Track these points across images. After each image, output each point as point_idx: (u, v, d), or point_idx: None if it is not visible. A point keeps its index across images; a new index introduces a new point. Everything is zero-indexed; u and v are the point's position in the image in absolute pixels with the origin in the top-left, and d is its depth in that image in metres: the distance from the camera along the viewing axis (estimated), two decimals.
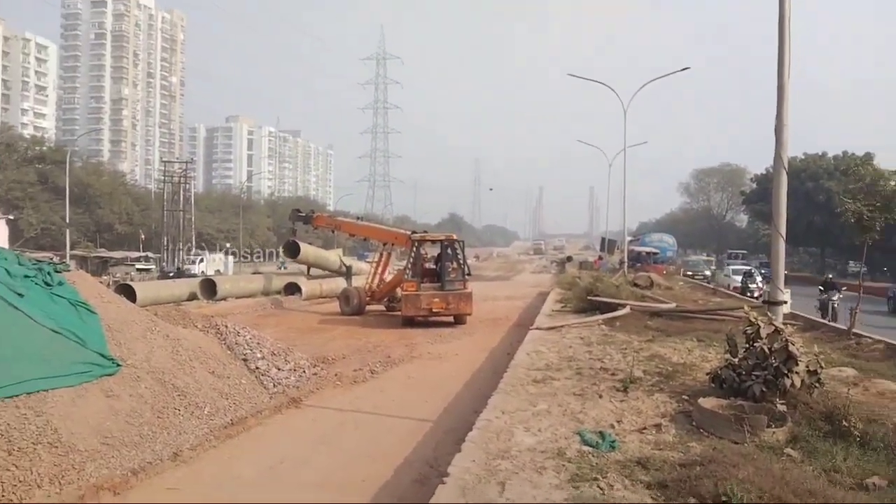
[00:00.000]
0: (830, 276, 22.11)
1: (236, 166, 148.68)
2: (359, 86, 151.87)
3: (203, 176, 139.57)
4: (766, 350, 7.15)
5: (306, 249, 26.01)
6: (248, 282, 26.32)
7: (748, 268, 33.31)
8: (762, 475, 4.82)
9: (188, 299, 22.69)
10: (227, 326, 10.56)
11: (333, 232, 25.95)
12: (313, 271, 27.01)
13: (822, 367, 7.25)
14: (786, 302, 9.16)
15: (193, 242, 59.20)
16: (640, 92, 33.93)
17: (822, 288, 19.70)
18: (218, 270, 48.27)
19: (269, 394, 9.10)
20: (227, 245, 65.57)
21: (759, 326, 7.45)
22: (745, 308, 8.88)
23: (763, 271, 28.97)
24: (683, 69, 32.66)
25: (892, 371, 9.53)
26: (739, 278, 30.60)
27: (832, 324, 15.02)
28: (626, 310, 16.38)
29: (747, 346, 7.45)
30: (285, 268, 34.12)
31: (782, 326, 7.59)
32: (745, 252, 59.22)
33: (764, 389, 6.92)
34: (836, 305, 18.56)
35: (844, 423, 6.05)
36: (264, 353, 10.15)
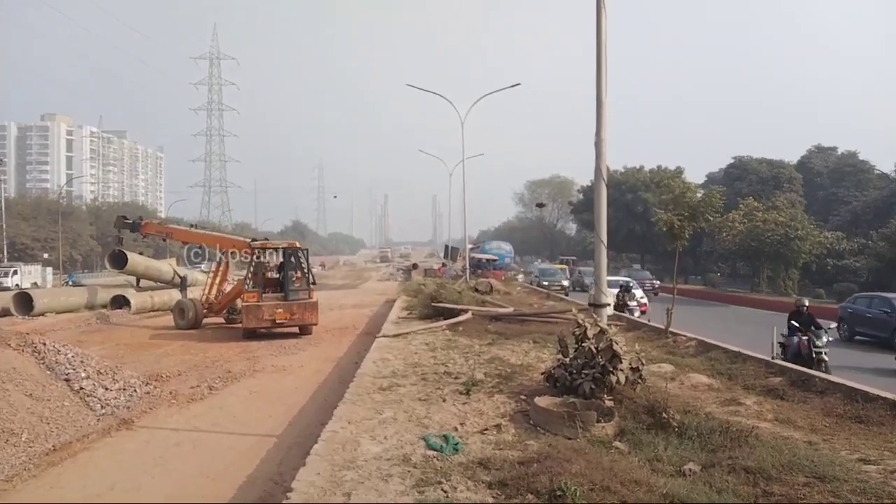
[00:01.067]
0: (806, 303, 12.76)
1: (54, 169, 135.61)
2: (191, 86, 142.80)
3: (15, 179, 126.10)
4: (594, 349, 7.69)
5: (135, 259, 24.35)
6: (69, 295, 24.14)
7: (625, 280, 26.16)
8: (593, 468, 5.18)
9: None
10: (45, 344, 9.68)
11: (165, 240, 24.56)
12: (143, 282, 25.34)
13: (643, 364, 7.90)
14: (609, 304, 9.90)
15: (5, 252, 53.51)
16: (478, 105, 35.13)
17: (796, 324, 12.20)
18: (35, 283, 43.95)
19: (97, 416, 8.43)
20: (45, 255, 59.88)
21: (587, 328, 8.00)
22: (574, 311, 9.57)
23: (642, 285, 31.46)
24: (514, 85, 34.29)
25: (703, 365, 10.61)
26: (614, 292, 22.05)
27: (824, 375, 9.76)
28: (469, 315, 16.92)
29: (577, 346, 7.97)
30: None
31: (607, 327, 8.19)
32: (574, 258, 63.07)
33: (593, 387, 7.43)
34: (824, 354, 11.65)
35: (664, 415, 6.65)
36: (89, 373, 9.39)
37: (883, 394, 7.82)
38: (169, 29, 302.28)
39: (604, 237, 9.51)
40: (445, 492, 5.05)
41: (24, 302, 21.82)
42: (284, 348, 15.01)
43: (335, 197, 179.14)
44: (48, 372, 8.92)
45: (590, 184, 58.72)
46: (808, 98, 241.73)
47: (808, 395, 8.44)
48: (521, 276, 45.24)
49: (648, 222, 45.73)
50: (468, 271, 37.50)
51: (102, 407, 8.71)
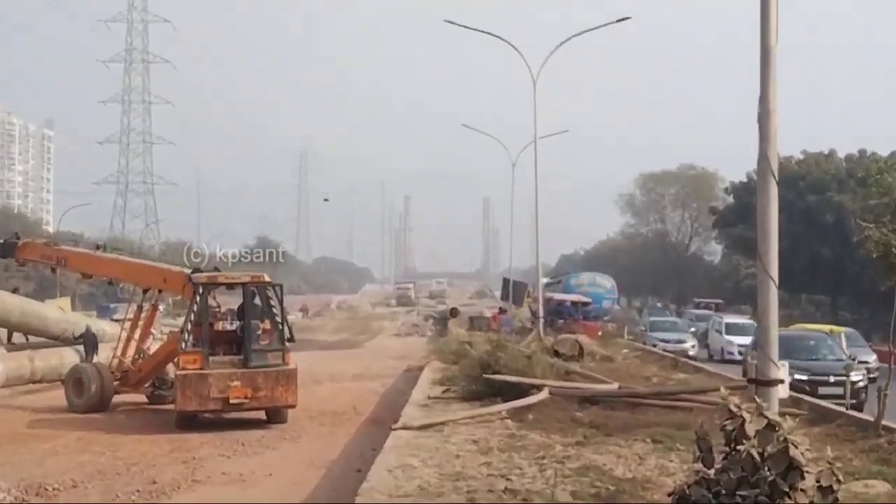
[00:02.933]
0: None
1: None
2: (100, 25, 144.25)
3: None
4: (756, 456, 7.46)
5: (5, 301, 24.72)
6: None
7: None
8: None
9: None
10: None
11: (55, 270, 24.90)
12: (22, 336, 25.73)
13: (839, 482, 7.63)
14: (782, 380, 9.64)
15: None
16: (558, 54, 35.34)
17: None
18: None
19: None
20: None
21: (744, 419, 7.78)
22: (722, 390, 9.34)
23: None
24: (623, 19, 34.35)
25: None
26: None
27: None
28: (544, 394, 16.76)
29: (728, 449, 7.75)
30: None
31: (778, 419, 7.96)
32: (719, 301, 62.26)
33: None
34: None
35: None
36: None
37: None
38: None
39: (773, 268, 9.31)
40: None
41: None
42: (243, 445, 15.01)
43: (326, 200, 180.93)
44: None
45: (746, 180, 58.13)
46: None
47: None
48: (687, 345, 44.52)
49: (845, 242, 44.87)
50: (542, 322, 37.31)
51: None
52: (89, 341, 23.25)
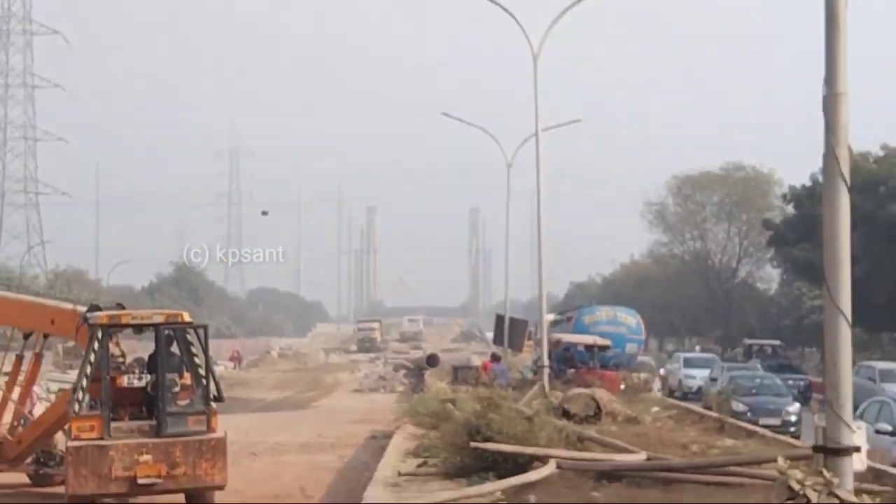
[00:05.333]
0: None
1: None
2: None
3: None
4: None
5: None
6: None
7: None
8: None
9: None
10: None
11: None
12: None
13: None
14: (858, 448, 9.67)
15: None
16: (565, 25, 35.58)
17: None
18: None
19: None
20: None
21: (809, 499, 7.82)
22: (780, 462, 9.26)
23: None
24: None
25: None
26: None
27: None
28: (551, 468, 16.73)
29: None
30: None
31: (853, 498, 8.00)
32: (777, 344, 62.37)
33: None
34: None
35: None
36: None
37: None
38: None
39: (845, 299, 9.36)
40: None
41: None
42: None
43: (265, 213, 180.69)
44: None
45: (811, 183, 58.17)
46: None
47: None
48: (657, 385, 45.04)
49: None
50: (548, 372, 37.32)
51: None
52: None
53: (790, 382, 35.06)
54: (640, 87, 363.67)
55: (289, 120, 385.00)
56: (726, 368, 44.82)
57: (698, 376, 42.22)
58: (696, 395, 41.34)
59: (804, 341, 68.07)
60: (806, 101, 9.85)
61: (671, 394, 43.58)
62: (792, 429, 30.92)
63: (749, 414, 30.57)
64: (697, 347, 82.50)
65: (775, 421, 24.17)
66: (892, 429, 15.46)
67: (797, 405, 25.44)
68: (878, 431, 17.45)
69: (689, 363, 44.31)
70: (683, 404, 37.38)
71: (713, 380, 41.90)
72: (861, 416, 20.28)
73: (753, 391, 34.31)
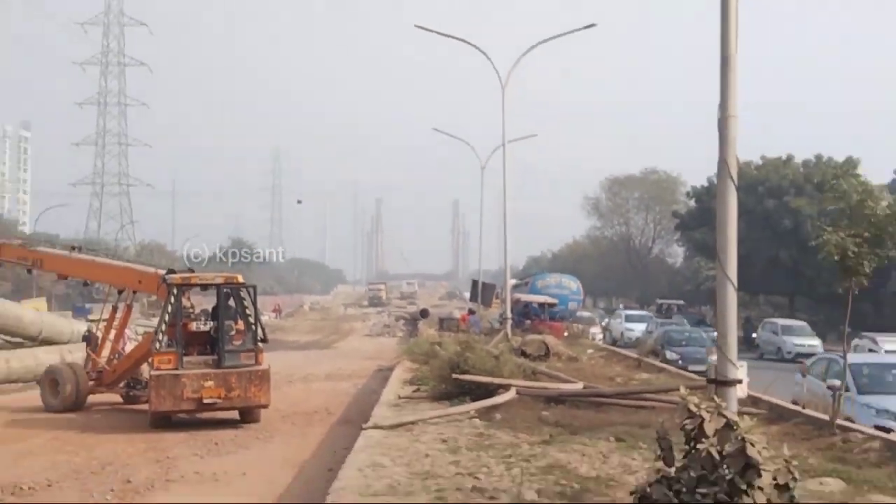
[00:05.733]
0: None
1: None
2: (77, 27, 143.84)
3: None
4: (715, 454, 7.52)
5: None
6: None
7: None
8: None
9: None
10: None
11: (31, 271, 24.78)
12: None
13: (795, 479, 7.69)
14: (740, 380, 9.73)
15: None
16: (527, 59, 35.53)
17: None
18: None
19: None
20: None
21: (703, 419, 7.84)
22: (682, 390, 9.28)
23: None
24: (588, 27, 34.65)
25: (893, 482, 10.34)
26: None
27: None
28: (511, 394, 16.77)
29: (688, 448, 7.80)
30: None
31: (736, 418, 8.02)
32: (680, 303, 62.63)
33: None
34: None
35: None
36: None
37: None
38: None
39: (732, 270, 9.41)
40: None
41: None
42: (216, 444, 14.96)
43: (299, 202, 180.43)
44: None
45: (707, 184, 58.33)
46: None
47: None
48: (596, 332, 45.08)
49: (802, 246, 45.17)
50: (510, 322, 37.40)
51: None
52: (94, 341, 23.16)
53: (704, 334, 34.65)
54: (586, 111, 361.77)
55: (321, 131, 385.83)
56: (660, 323, 45.10)
57: (636, 329, 42.08)
58: (634, 344, 39.48)
59: (701, 301, 68.26)
60: (707, 121, 9.82)
61: (614, 343, 43.02)
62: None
63: (680, 361, 29.22)
64: (621, 305, 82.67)
65: (702, 368, 22.53)
66: (839, 384, 15.10)
67: (837, 381, 20.90)
68: (829, 388, 16.75)
69: (629, 318, 44.38)
70: (612, 348, 37.46)
71: (649, 332, 41.68)
72: (810, 373, 20.09)
73: (683, 343, 33.04)
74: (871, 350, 33.50)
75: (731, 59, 9.37)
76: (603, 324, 54.96)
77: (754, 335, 42.17)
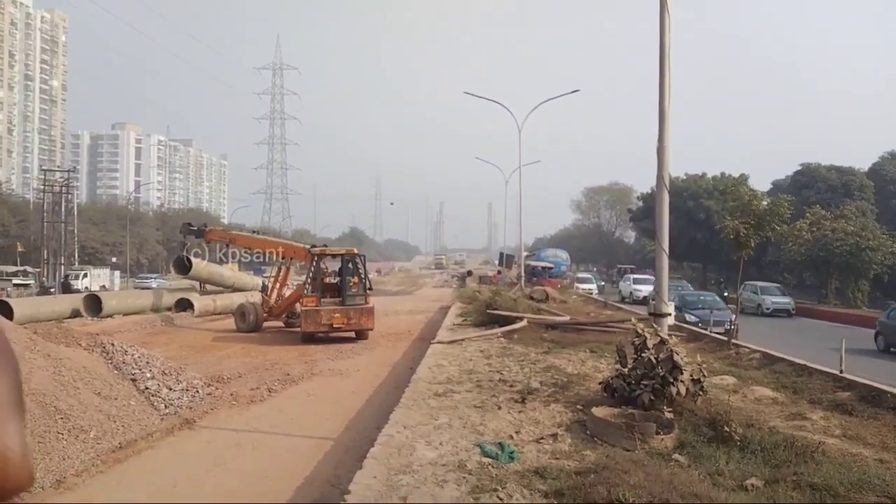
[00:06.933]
0: None
1: (123, 176, 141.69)
2: (255, 95, 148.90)
3: (87, 186, 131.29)
4: (653, 360, 7.55)
5: (198, 265, 25.07)
6: (136, 298, 25.04)
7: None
8: (652, 480, 5.09)
9: (71, 316, 21.34)
10: (113, 345, 10.04)
11: (227, 246, 25.27)
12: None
13: (704, 376, 7.71)
14: (670, 314, 9.72)
15: (76, 256, 55.92)
16: (535, 112, 35.26)
17: None
18: (103, 286, 45.79)
19: (161, 415, 8.71)
20: (114, 259, 62.28)
21: (646, 337, 7.87)
22: (633, 320, 9.28)
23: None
24: (573, 91, 34.19)
25: (768, 378, 10.28)
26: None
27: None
28: (524, 323, 16.84)
29: (636, 356, 7.83)
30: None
31: (667, 337, 8.04)
32: (633, 266, 61.98)
33: (652, 398, 7.30)
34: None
35: (726, 428, 6.47)
36: (154, 373, 9.70)
37: None
38: (234, 41, 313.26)
39: (665, 245, 9.36)
40: (501, 499, 5.04)
41: (94, 304, 22.56)
42: (341, 352, 15.18)
43: (392, 204, 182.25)
44: (116, 372, 9.25)
45: (650, 191, 57.30)
46: (881, 100, 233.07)
47: (880, 412, 8.08)
48: (591, 288, 44.29)
49: (711, 230, 44.62)
50: (523, 279, 37.37)
51: (166, 407, 8.99)
52: (267, 289, 23.61)
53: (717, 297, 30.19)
54: (579, 138, 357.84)
55: (416, 162, 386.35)
56: (672, 287, 41.27)
57: (643, 290, 35.81)
58: (643, 302, 32.31)
59: (646, 266, 67.18)
60: (649, 150, 9.76)
61: (623, 300, 37.14)
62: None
63: (699, 324, 20.57)
64: (594, 268, 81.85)
65: (720, 329, 17.45)
66: (734, 318, 14.99)
67: (734, 316, 15.43)
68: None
69: (637, 281, 38.37)
70: (589, 295, 37.12)
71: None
72: None
73: (700, 306, 24.02)
74: (753, 292, 33.09)
75: (666, 111, 9.27)
76: (600, 283, 52.16)
77: (725, 294, 37.21)
